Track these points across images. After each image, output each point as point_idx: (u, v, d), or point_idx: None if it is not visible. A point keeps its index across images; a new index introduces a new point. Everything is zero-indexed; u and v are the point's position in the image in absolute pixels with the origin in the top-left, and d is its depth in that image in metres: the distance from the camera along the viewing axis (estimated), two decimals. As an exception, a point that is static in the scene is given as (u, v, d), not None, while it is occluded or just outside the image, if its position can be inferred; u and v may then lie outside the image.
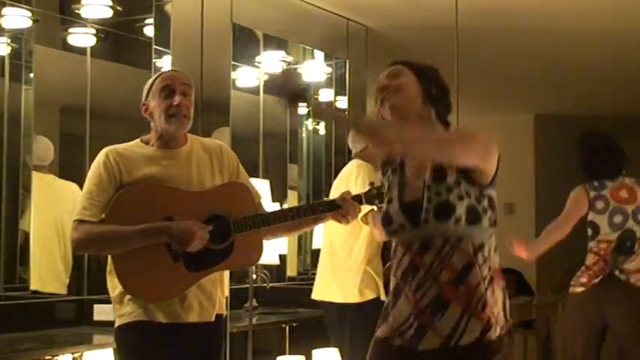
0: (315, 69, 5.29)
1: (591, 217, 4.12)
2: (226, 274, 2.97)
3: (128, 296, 2.77)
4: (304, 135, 5.37)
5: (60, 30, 3.97)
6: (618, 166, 4.23)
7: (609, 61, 6.38)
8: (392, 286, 2.48)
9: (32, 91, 3.75)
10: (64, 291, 3.94)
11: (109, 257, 2.78)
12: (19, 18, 3.66)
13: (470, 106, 7.22)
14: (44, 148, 3.90)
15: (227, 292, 3.03)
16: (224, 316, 2.96)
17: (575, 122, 9.05)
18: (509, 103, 8.08)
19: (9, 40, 3.69)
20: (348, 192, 2.97)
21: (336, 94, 5.35)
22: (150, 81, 2.87)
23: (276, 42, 4.92)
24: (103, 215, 2.70)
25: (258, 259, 2.91)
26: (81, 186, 3.06)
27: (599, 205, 4.13)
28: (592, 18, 5.19)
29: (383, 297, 4.08)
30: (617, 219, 4.12)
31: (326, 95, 5.33)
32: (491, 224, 2.40)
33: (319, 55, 5.27)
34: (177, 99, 2.80)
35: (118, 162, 2.75)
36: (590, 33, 5.54)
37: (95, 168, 2.76)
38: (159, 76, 2.88)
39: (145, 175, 2.76)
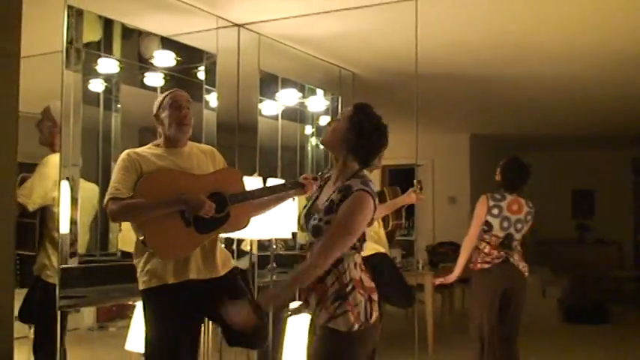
0: (316, 102, 5.28)
1: (488, 218, 4.17)
2: (220, 243, 2.88)
3: (146, 267, 2.69)
4: (309, 149, 5.35)
5: (139, 73, 3.95)
6: (521, 181, 4.28)
7: (527, 98, 6.39)
8: None
9: (119, 117, 3.73)
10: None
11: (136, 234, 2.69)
12: (110, 65, 3.65)
13: (425, 129, 7.25)
14: None
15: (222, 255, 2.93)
16: (233, 269, 2.86)
17: (500, 140, 9.10)
18: (451, 126, 8.08)
19: (102, 81, 3.68)
20: (308, 174, 2.93)
21: (332, 119, 5.34)
22: (160, 98, 2.79)
23: (290, 83, 4.91)
24: (131, 194, 2.60)
25: (247, 224, 2.83)
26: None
27: (495, 211, 4.19)
28: (515, 66, 5.19)
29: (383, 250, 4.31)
30: (505, 224, 4.19)
31: (325, 121, 5.32)
32: (351, 247, 2.22)
33: (320, 92, 5.27)
34: (183, 112, 2.75)
35: (137, 158, 2.68)
36: (514, 78, 5.54)
37: (120, 162, 2.68)
38: (168, 94, 2.79)
39: (158, 167, 2.69)
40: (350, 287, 2.21)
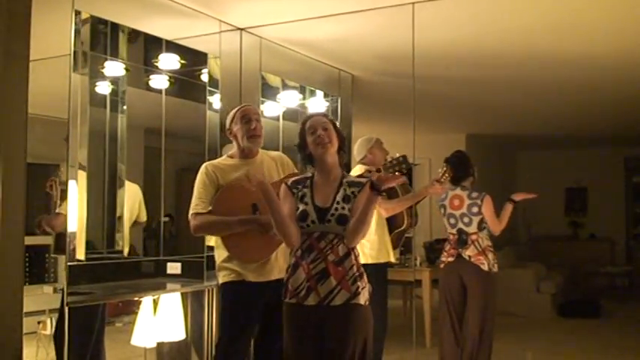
0: (317, 103, 5.29)
1: (443, 219, 4.27)
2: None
3: (225, 263, 2.83)
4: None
5: (144, 76, 3.96)
6: (463, 174, 4.26)
7: (521, 98, 6.40)
8: (292, 262, 2.52)
9: (125, 118, 3.75)
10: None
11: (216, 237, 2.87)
12: (116, 68, 3.66)
13: (422, 129, 7.25)
14: None
15: None
16: None
17: (495, 139, 9.10)
18: (448, 126, 8.08)
19: (109, 83, 3.69)
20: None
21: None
22: (232, 113, 2.94)
23: (290, 85, 4.91)
24: (210, 207, 2.77)
25: None
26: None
27: (442, 210, 4.26)
28: (510, 67, 5.19)
29: (392, 260, 4.12)
30: (452, 220, 4.21)
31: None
32: None
33: (320, 93, 5.27)
34: (254, 124, 2.90)
35: (215, 171, 2.84)
36: (509, 79, 5.55)
37: (200, 177, 2.85)
38: (238, 109, 2.94)
39: (234, 177, 2.82)
40: (362, 269, 2.50)
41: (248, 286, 2.79)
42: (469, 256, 4.10)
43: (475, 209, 4.13)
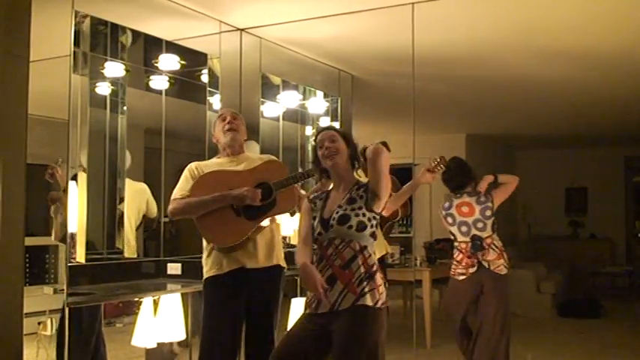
0: (317, 104, 5.29)
1: (449, 228, 4.14)
2: (278, 238, 3.03)
3: (209, 259, 2.89)
4: (309, 148, 5.36)
5: (144, 77, 3.95)
6: (465, 181, 4.17)
7: (521, 98, 6.40)
8: None
9: (125, 118, 3.75)
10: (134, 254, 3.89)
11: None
12: (116, 69, 3.66)
13: (422, 129, 7.26)
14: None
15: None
16: (283, 268, 3.00)
17: (495, 139, 9.10)
18: (448, 126, 8.08)
19: (109, 84, 3.69)
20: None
21: (332, 120, 5.35)
22: (214, 122, 3.10)
23: (290, 85, 4.91)
24: (188, 193, 2.87)
25: (294, 206, 2.95)
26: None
27: (450, 220, 4.12)
28: (509, 67, 5.19)
29: (389, 250, 4.22)
30: (464, 228, 4.08)
31: (324, 122, 5.32)
32: (372, 235, 2.50)
33: (320, 93, 5.27)
34: (228, 119, 3.03)
35: (198, 167, 2.94)
36: (508, 78, 5.55)
37: (184, 173, 2.96)
38: (220, 114, 3.11)
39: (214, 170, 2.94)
40: (374, 269, 2.48)
41: (227, 277, 2.84)
42: (489, 262, 3.99)
43: (488, 212, 4.03)
